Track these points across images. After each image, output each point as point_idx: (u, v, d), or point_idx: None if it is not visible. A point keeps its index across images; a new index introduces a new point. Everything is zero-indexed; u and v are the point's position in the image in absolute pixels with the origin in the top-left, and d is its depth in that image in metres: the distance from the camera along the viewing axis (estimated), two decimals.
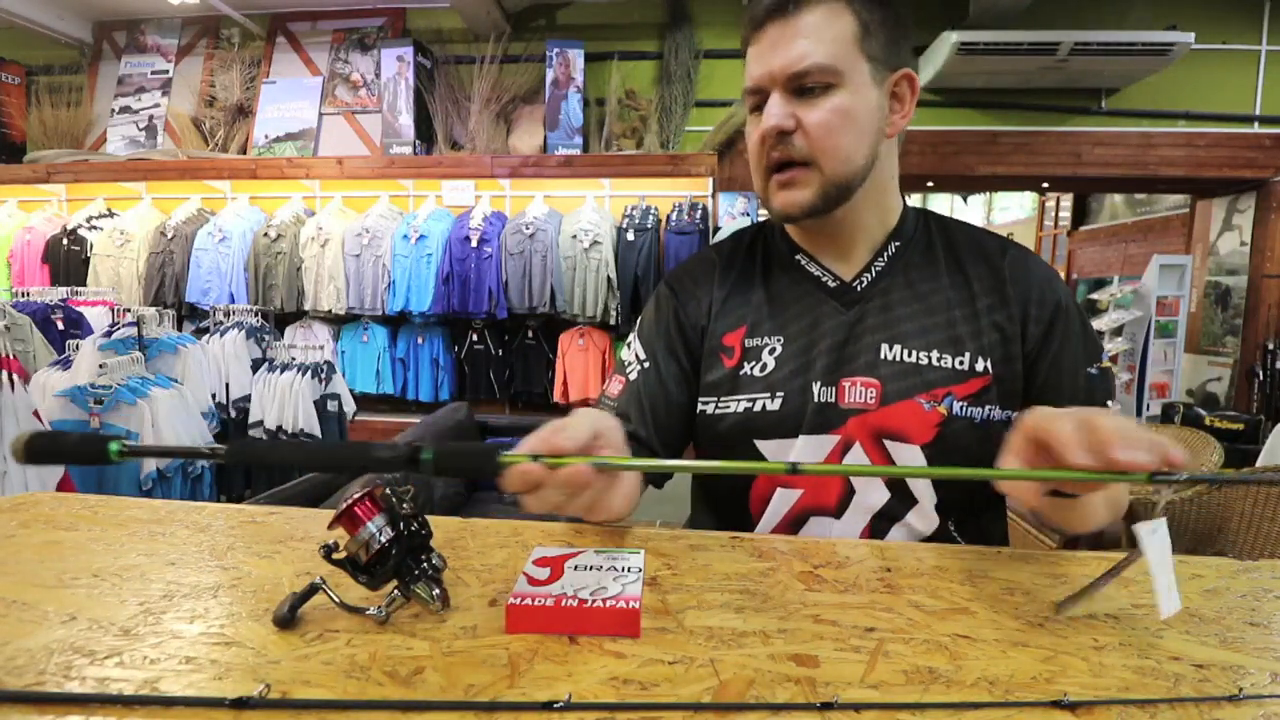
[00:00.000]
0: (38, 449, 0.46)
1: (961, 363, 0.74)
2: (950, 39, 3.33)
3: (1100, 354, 0.76)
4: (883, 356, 0.76)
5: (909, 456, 0.74)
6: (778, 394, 0.77)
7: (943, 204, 8.95)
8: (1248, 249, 4.00)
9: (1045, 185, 5.32)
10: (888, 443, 0.75)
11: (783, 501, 0.78)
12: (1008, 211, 8.57)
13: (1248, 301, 3.99)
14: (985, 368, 0.74)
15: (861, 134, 0.73)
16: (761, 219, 0.92)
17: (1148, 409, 4.47)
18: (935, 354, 0.75)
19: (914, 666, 0.43)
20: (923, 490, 0.75)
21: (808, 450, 0.76)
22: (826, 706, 0.38)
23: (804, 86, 0.71)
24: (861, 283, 0.79)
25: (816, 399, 0.76)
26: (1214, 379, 4.28)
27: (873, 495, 0.75)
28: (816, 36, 0.70)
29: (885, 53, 0.74)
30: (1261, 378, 3.88)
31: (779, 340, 0.79)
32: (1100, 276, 5.70)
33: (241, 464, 0.49)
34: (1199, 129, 3.73)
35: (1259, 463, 2.31)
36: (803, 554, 0.63)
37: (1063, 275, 6.90)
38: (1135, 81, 3.68)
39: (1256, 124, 3.74)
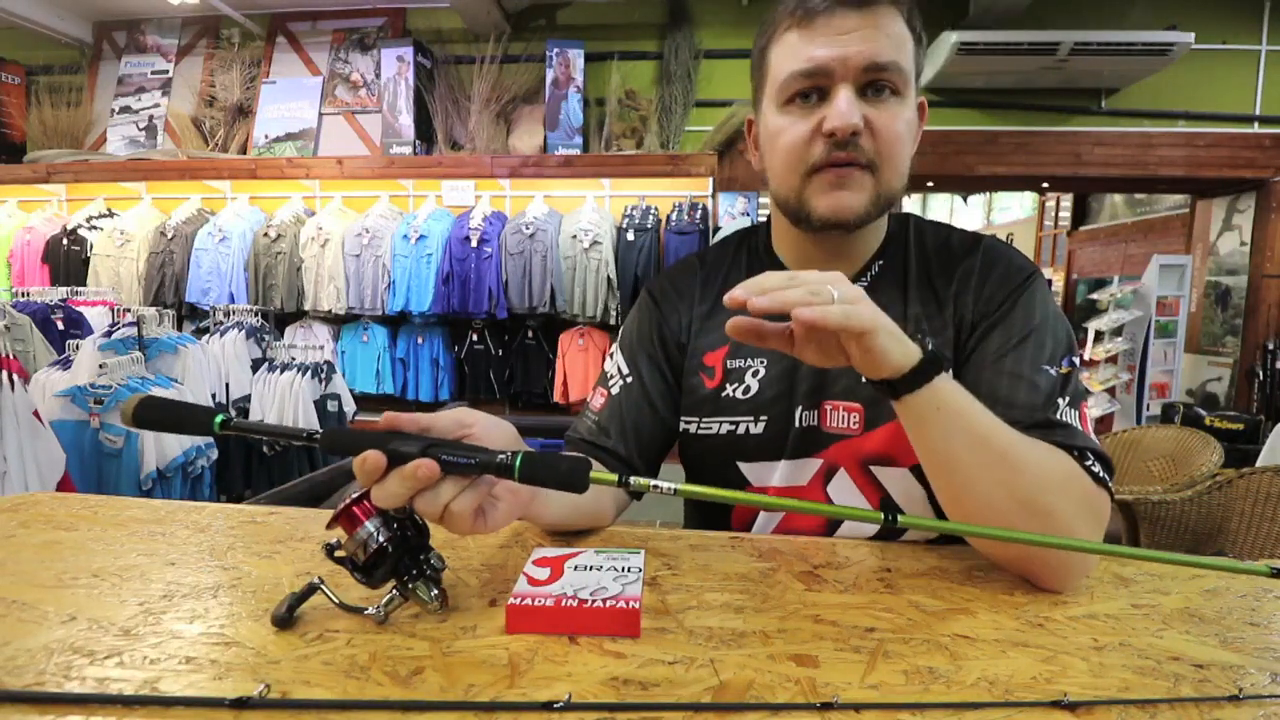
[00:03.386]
0: (145, 416, 0.49)
1: None
2: (950, 39, 3.33)
3: (1059, 358, 0.67)
4: (863, 379, 0.71)
5: (897, 478, 0.72)
6: (761, 418, 0.76)
7: (943, 204, 8.95)
8: (1248, 249, 4.00)
9: (1045, 185, 5.32)
10: (874, 468, 0.73)
11: (767, 524, 0.77)
12: (1008, 211, 8.56)
13: (1248, 301, 3.99)
14: None
15: (909, 150, 0.71)
16: (747, 224, 0.86)
17: (1148, 409, 4.47)
18: None
19: (914, 666, 0.43)
20: (917, 505, 0.72)
21: (791, 473, 0.75)
22: (826, 706, 0.38)
23: (877, 83, 0.67)
24: None
25: (799, 423, 0.74)
26: (1214, 379, 4.28)
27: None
28: (895, 37, 0.67)
29: (917, 73, 0.71)
30: (1261, 378, 3.88)
31: (762, 363, 0.76)
32: (1100, 276, 5.70)
33: (335, 451, 0.48)
34: (1199, 129, 3.73)
35: (1259, 462, 2.31)
36: (803, 554, 0.63)
37: (1062, 275, 6.91)
38: (1135, 81, 3.68)
39: (1256, 124, 3.74)
